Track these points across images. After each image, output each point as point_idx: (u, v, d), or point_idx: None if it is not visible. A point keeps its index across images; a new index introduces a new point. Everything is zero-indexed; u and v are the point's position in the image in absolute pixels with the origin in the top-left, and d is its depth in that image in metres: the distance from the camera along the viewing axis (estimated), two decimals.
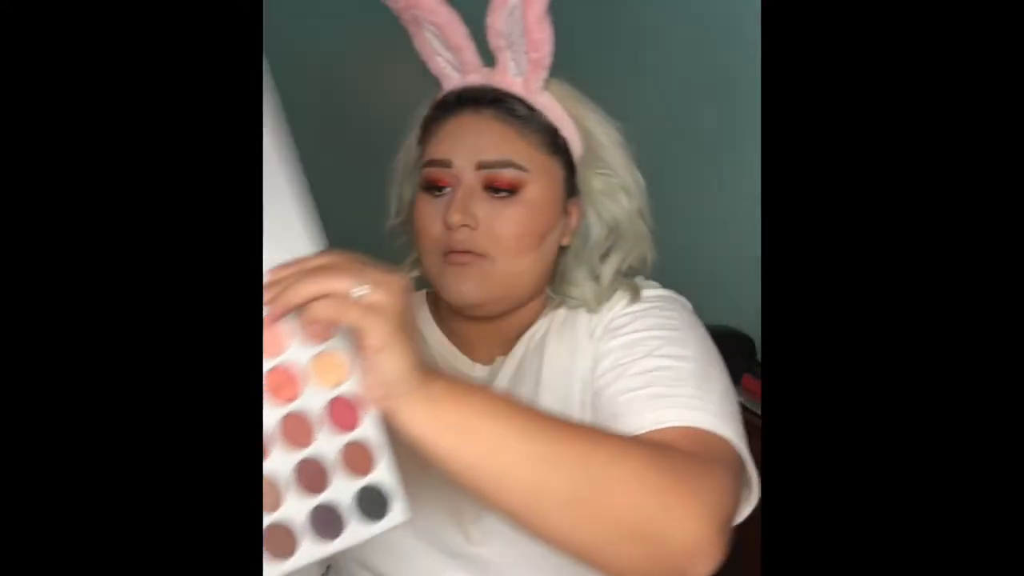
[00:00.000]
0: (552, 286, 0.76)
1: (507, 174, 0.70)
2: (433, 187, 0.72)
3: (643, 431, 0.60)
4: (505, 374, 0.75)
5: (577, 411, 0.70)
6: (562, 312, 0.76)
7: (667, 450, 0.57)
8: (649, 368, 0.66)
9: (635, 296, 0.74)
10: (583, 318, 0.74)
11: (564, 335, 0.74)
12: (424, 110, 0.77)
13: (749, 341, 1.96)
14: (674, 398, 0.63)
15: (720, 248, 2.27)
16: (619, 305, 0.73)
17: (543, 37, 0.68)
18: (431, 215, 0.72)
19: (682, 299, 0.76)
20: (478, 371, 0.76)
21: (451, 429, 0.50)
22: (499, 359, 0.76)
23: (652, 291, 0.75)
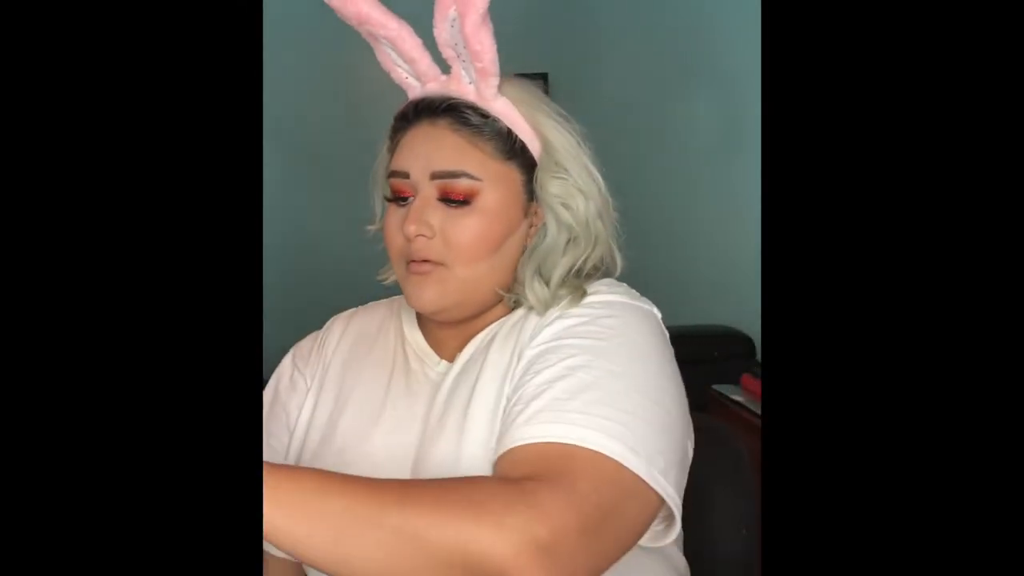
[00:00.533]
0: (514, 287, 0.76)
1: (460, 184, 0.71)
2: (397, 197, 0.74)
3: (510, 447, 0.62)
4: (452, 373, 0.76)
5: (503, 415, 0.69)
6: (518, 314, 0.76)
7: (474, 482, 0.60)
8: (550, 379, 0.65)
9: (577, 299, 0.73)
10: (532, 321, 0.74)
11: (510, 337, 0.74)
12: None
13: (749, 341, 1.96)
14: (556, 412, 0.62)
15: (720, 248, 2.27)
16: (563, 310, 0.73)
17: (483, 47, 0.67)
18: (395, 225, 0.74)
19: (643, 306, 0.74)
20: (440, 367, 0.78)
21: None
22: (459, 356, 0.77)
23: (603, 296, 0.73)
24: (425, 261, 0.72)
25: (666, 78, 2.32)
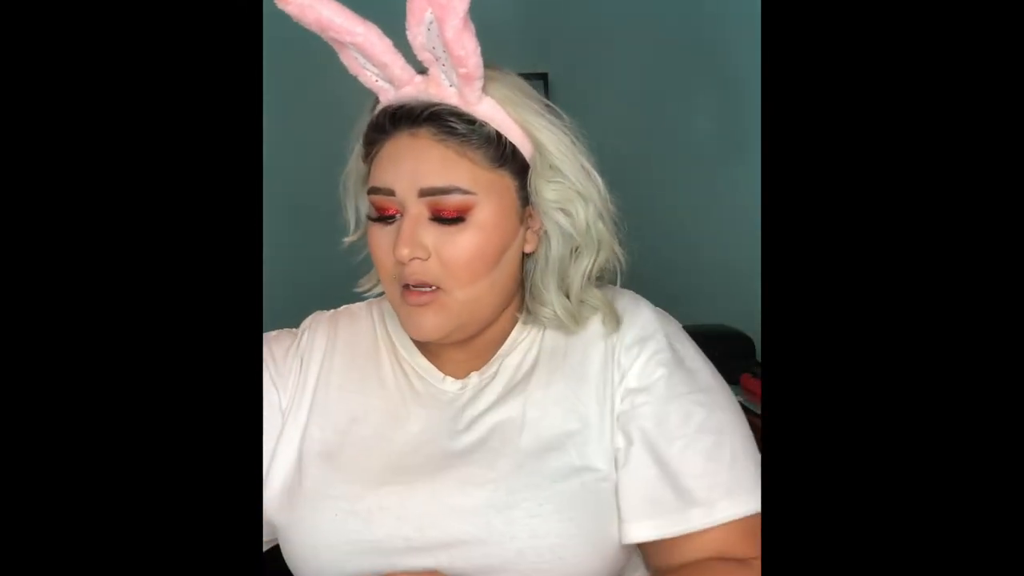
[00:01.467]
0: (526, 301, 0.74)
1: (452, 200, 0.66)
2: (381, 216, 0.68)
3: (712, 525, 0.66)
4: (487, 396, 0.72)
5: (573, 451, 0.69)
6: (550, 336, 0.74)
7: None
8: (699, 451, 0.68)
9: (611, 320, 0.72)
10: (576, 348, 0.72)
11: (556, 366, 0.72)
12: (365, 121, 0.72)
13: (749, 341, 1.96)
14: (728, 486, 0.67)
15: (720, 248, 2.27)
16: (635, 350, 0.72)
17: (467, 52, 0.62)
18: (383, 245, 0.68)
19: (670, 316, 0.77)
20: (449, 385, 0.74)
21: None
22: (474, 375, 0.74)
23: (654, 322, 0.73)
24: (422, 288, 0.67)
25: (666, 78, 2.32)
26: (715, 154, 2.33)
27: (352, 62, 0.68)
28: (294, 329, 0.82)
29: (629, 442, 0.69)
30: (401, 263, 0.67)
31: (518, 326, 0.75)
